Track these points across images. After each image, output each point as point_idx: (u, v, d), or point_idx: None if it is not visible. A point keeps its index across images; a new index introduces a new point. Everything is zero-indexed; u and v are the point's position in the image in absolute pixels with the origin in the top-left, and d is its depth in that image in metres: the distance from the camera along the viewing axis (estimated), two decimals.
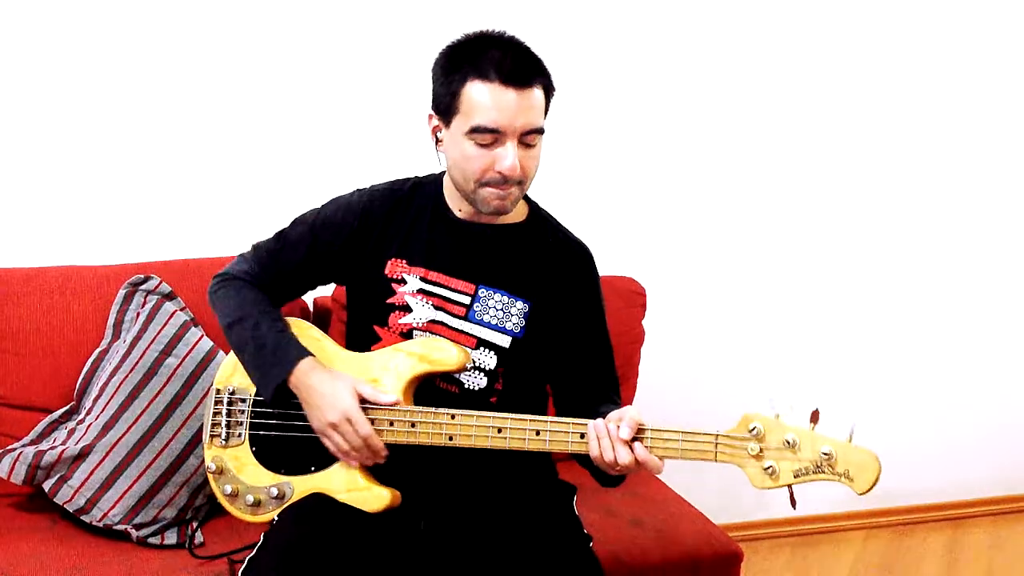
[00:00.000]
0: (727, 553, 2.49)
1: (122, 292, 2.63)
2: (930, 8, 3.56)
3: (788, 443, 1.74)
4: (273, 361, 2.06)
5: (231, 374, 2.19)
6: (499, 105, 1.94)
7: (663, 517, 2.58)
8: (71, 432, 2.49)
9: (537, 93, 1.98)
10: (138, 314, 2.60)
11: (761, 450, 1.76)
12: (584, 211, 3.30)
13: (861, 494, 1.72)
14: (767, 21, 3.43)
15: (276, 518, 2.06)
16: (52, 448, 2.42)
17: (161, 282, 2.65)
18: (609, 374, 2.21)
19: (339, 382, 2.01)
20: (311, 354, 2.07)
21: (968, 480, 3.94)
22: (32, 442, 2.50)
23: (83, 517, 2.40)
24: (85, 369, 2.57)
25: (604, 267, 3.10)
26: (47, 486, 2.41)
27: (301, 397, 2.04)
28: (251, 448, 2.14)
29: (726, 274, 3.53)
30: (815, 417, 1.75)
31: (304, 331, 2.18)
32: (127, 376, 2.49)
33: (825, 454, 1.71)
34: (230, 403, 2.18)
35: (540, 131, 2.00)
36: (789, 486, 1.76)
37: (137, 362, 2.50)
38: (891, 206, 3.67)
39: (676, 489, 2.77)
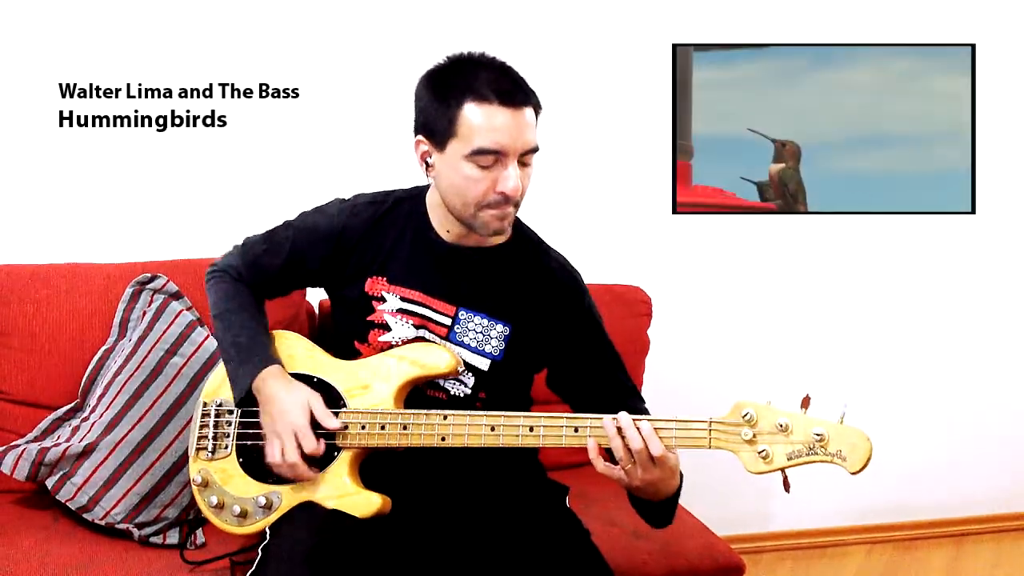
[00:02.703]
0: (729, 565, 2.48)
1: (129, 290, 2.63)
2: None
3: (781, 426, 1.77)
4: (243, 362, 2.10)
5: (218, 387, 2.21)
6: (500, 126, 1.93)
7: (666, 529, 2.54)
8: (75, 429, 2.49)
9: (529, 112, 1.98)
10: (144, 313, 2.60)
11: (754, 435, 1.79)
12: (589, 220, 3.32)
13: (854, 473, 1.74)
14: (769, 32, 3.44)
15: (269, 530, 2.05)
16: (56, 445, 2.43)
17: (168, 281, 2.65)
18: (625, 386, 2.20)
19: (294, 395, 2.03)
20: (277, 361, 2.10)
21: (971, 497, 3.92)
22: (36, 439, 2.51)
23: (85, 515, 2.39)
24: (90, 367, 2.58)
25: (610, 276, 3.13)
26: (50, 483, 2.41)
27: (259, 401, 2.07)
28: (238, 459, 2.14)
29: (733, 284, 3.52)
30: (806, 403, 1.79)
31: (293, 342, 2.20)
32: (132, 375, 2.49)
33: (817, 435, 1.75)
34: (217, 415, 2.18)
35: (536, 150, 2.00)
36: (783, 469, 1.79)
37: (142, 361, 2.50)
38: (897, 218, 3.66)
39: (679, 500, 2.75)
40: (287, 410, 2.01)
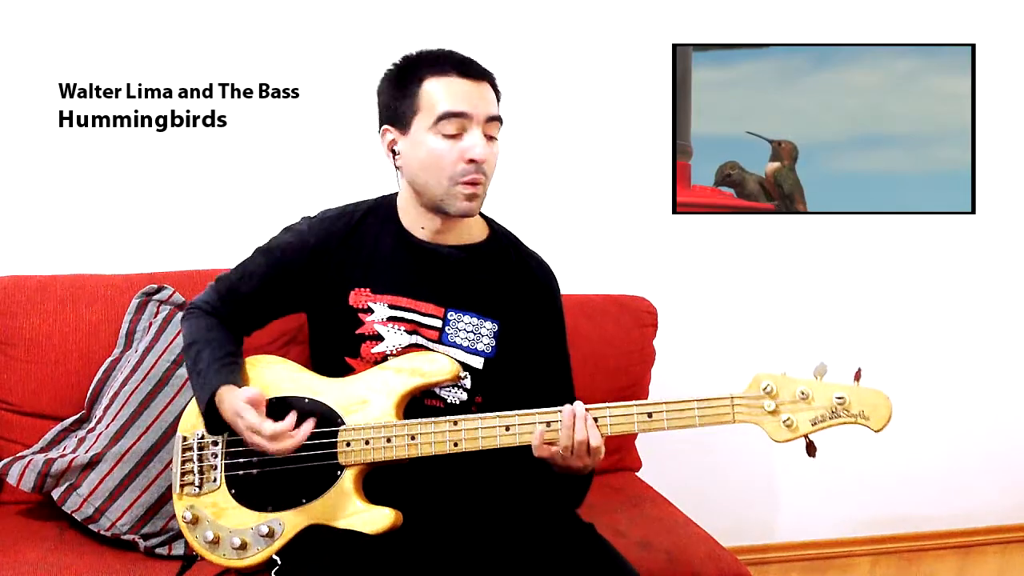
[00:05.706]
0: None
1: (135, 301, 2.63)
2: None
3: (802, 394, 1.87)
4: (201, 391, 2.09)
5: (195, 420, 2.16)
6: (461, 92, 2.00)
7: (671, 539, 2.56)
8: (81, 440, 2.48)
9: (489, 88, 2.05)
10: (151, 324, 2.59)
11: (777, 406, 1.87)
12: (589, 220, 3.32)
13: (878, 431, 1.85)
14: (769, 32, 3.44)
15: (278, 559, 2.02)
16: (62, 456, 2.42)
17: (174, 292, 2.65)
18: (566, 390, 2.21)
19: (232, 399, 2.01)
20: (233, 383, 2.05)
21: (977, 508, 3.90)
22: (42, 450, 2.50)
23: (91, 526, 2.39)
24: (96, 378, 2.57)
25: (609, 277, 3.13)
26: (56, 494, 2.40)
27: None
28: (230, 491, 2.09)
29: (733, 285, 3.52)
30: (820, 371, 1.88)
31: (277, 366, 2.17)
32: (138, 386, 2.48)
33: (839, 399, 1.85)
34: (200, 448, 2.14)
35: (500, 120, 2.05)
36: (807, 435, 1.86)
37: (148, 372, 2.50)
38: (897, 218, 3.66)
39: (685, 511, 2.77)
40: (231, 415, 2.00)
